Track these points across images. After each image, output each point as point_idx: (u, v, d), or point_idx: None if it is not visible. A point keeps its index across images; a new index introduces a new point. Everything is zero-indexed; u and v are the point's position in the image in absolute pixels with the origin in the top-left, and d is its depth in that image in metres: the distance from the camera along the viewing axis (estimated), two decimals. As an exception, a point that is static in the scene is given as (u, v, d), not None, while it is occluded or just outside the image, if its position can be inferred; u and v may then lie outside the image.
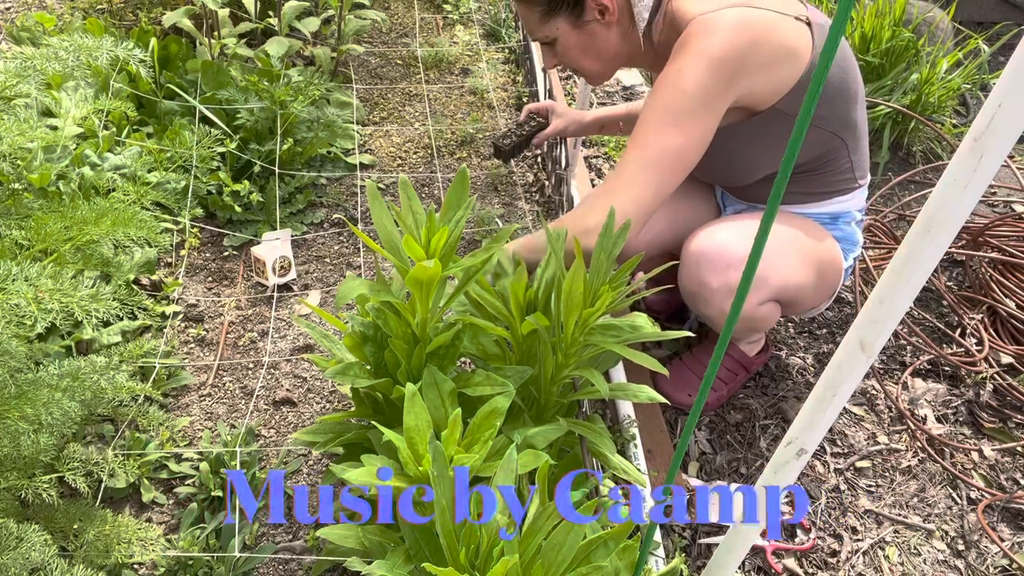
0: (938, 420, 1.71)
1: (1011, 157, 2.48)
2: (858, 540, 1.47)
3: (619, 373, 1.47)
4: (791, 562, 1.42)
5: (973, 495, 1.56)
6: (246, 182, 2.02)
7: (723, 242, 1.37)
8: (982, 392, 1.76)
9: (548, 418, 1.19)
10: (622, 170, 1.29)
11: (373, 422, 1.07)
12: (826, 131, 1.37)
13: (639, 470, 1.24)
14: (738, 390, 1.73)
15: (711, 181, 1.62)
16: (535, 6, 1.33)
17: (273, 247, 1.86)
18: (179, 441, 1.50)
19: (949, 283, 2.07)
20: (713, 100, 1.25)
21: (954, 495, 1.56)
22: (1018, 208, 2.34)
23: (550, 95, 2.29)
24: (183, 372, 1.65)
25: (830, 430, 1.64)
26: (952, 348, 1.87)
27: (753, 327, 1.50)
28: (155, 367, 1.59)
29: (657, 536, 1.20)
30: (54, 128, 1.86)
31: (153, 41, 2.16)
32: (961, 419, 1.72)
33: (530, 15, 1.36)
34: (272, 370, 1.69)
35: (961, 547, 1.47)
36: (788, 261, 1.40)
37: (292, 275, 1.90)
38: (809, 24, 1.29)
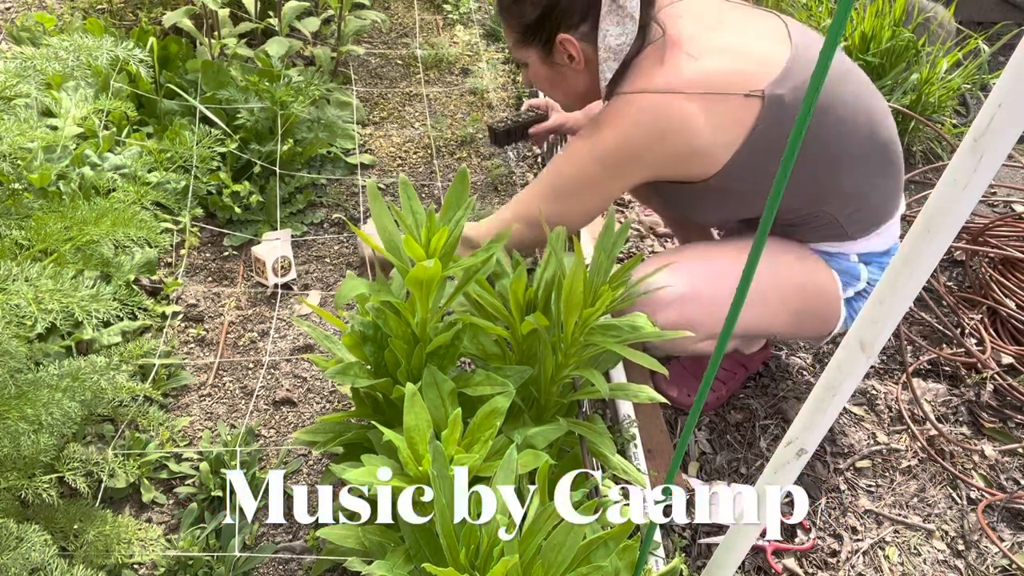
0: (938, 420, 1.71)
1: (1010, 157, 2.48)
2: (858, 540, 1.47)
3: (619, 373, 1.47)
4: (791, 562, 1.42)
5: (973, 495, 1.56)
6: (246, 183, 2.02)
7: (663, 284, 1.31)
8: (982, 392, 1.76)
9: (548, 418, 1.19)
10: (512, 214, 1.39)
11: (373, 422, 1.07)
12: (788, 202, 1.28)
13: (639, 470, 1.24)
14: (738, 389, 1.73)
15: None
16: (512, 31, 1.35)
17: (273, 247, 1.86)
18: (179, 441, 1.50)
19: (949, 283, 2.07)
20: (599, 188, 1.31)
21: (954, 495, 1.56)
22: (1018, 208, 2.34)
23: None
24: (183, 372, 1.65)
25: (830, 430, 1.64)
26: (952, 348, 1.87)
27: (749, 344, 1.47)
28: (155, 367, 1.59)
29: (657, 536, 1.20)
30: (54, 128, 1.86)
31: (153, 41, 2.16)
32: (961, 419, 1.72)
33: (508, 36, 1.38)
34: (272, 370, 1.69)
35: (961, 547, 1.47)
36: (755, 310, 1.34)
37: (292, 275, 1.89)
38: (763, 97, 1.20)
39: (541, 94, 2.38)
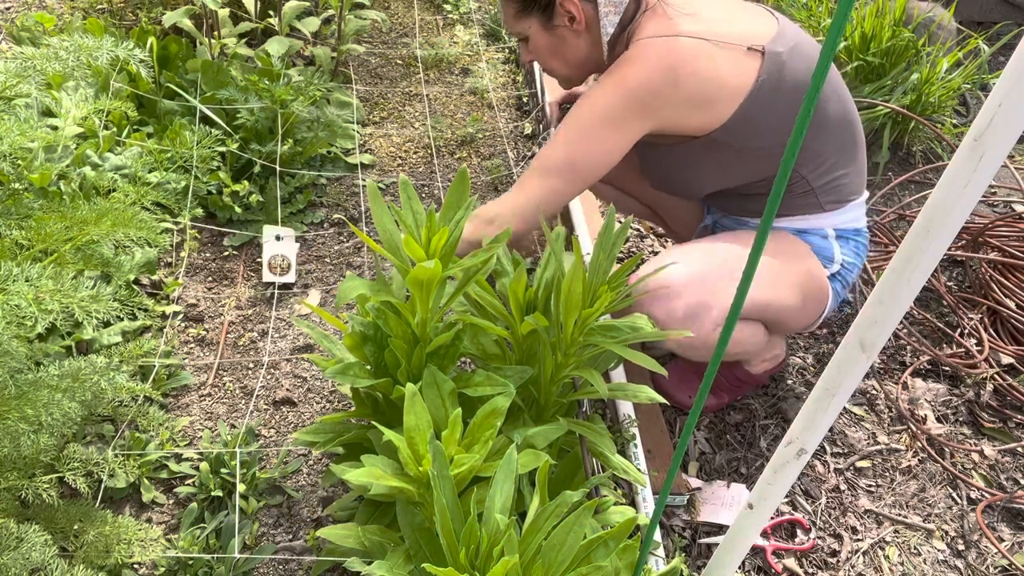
0: (938, 420, 1.71)
1: (1011, 157, 2.48)
2: (858, 540, 1.47)
3: (619, 373, 1.47)
4: (791, 562, 1.42)
5: (973, 495, 1.56)
6: (246, 182, 2.02)
7: (665, 273, 1.32)
8: (982, 392, 1.76)
9: (548, 418, 1.19)
10: (530, 171, 1.38)
11: (373, 422, 1.07)
12: (769, 160, 1.36)
13: (639, 470, 1.24)
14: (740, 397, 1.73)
15: (661, 190, 1.59)
16: (510, 2, 1.38)
17: (274, 245, 1.87)
18: (179, 441, 1.50)
19: (949, 283, 2.07)
20: (622, 124, 1.31)
21: (954, 495, 1.56)
22: (1018, 208, 2.34)
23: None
24: (183, 372, 1.65)
25: (830, 430, 1.64)
26: (952, 348, 1.87)
27: (739, 351, 1.45)
28: (155, 367, 1.59)
29: (657, 536, 1.20)
30: (54, 128, 1.86)
31: (153, 41, 2.16)
32: (961, 419, 1.72)
33: (507, 9, 1.40)
34: (272, 370, 1.69)
35: (961, 547, 1.47)
36: (765, 291, 1.35)
37: (291, 277, 1.89)
38: (764, 53, 1.28)
39: (539, 97, 2.38)
